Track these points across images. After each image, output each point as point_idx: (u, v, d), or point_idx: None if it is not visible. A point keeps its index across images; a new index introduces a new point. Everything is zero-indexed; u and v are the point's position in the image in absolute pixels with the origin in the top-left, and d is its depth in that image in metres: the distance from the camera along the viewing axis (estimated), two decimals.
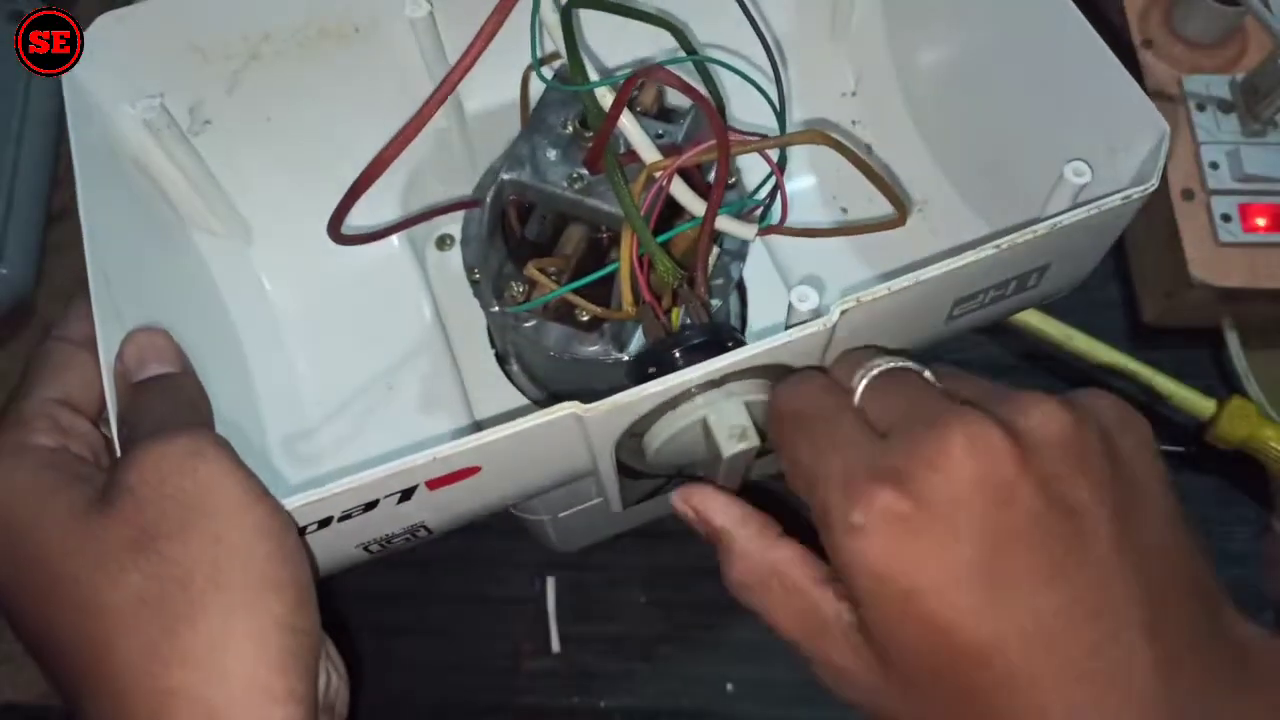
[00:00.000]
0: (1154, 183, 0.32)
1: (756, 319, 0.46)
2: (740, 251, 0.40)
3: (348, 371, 0.46)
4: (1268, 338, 0.50)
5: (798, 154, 0.50)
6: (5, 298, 0.48)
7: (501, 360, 0.46)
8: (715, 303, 0.37)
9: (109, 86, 0.38)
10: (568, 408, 0.30)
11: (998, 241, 0.31)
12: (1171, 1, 0.52)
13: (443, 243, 0.50)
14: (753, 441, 0.32)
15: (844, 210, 0.49)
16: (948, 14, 0.44)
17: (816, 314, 0.33)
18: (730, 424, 0.32)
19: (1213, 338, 0.50)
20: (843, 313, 0.31)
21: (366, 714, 0.42)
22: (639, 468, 0.36)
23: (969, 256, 0.31)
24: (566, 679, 0.45)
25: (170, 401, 0.30)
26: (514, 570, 0.46)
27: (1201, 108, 0.49)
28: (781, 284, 0.47)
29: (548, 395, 0.46)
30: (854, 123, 0.51)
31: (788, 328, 0.36)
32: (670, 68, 0.35)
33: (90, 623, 0.26)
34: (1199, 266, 0.47)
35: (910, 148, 0.49)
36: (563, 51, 0.35)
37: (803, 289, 0.34)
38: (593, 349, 0.38)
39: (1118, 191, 0.32)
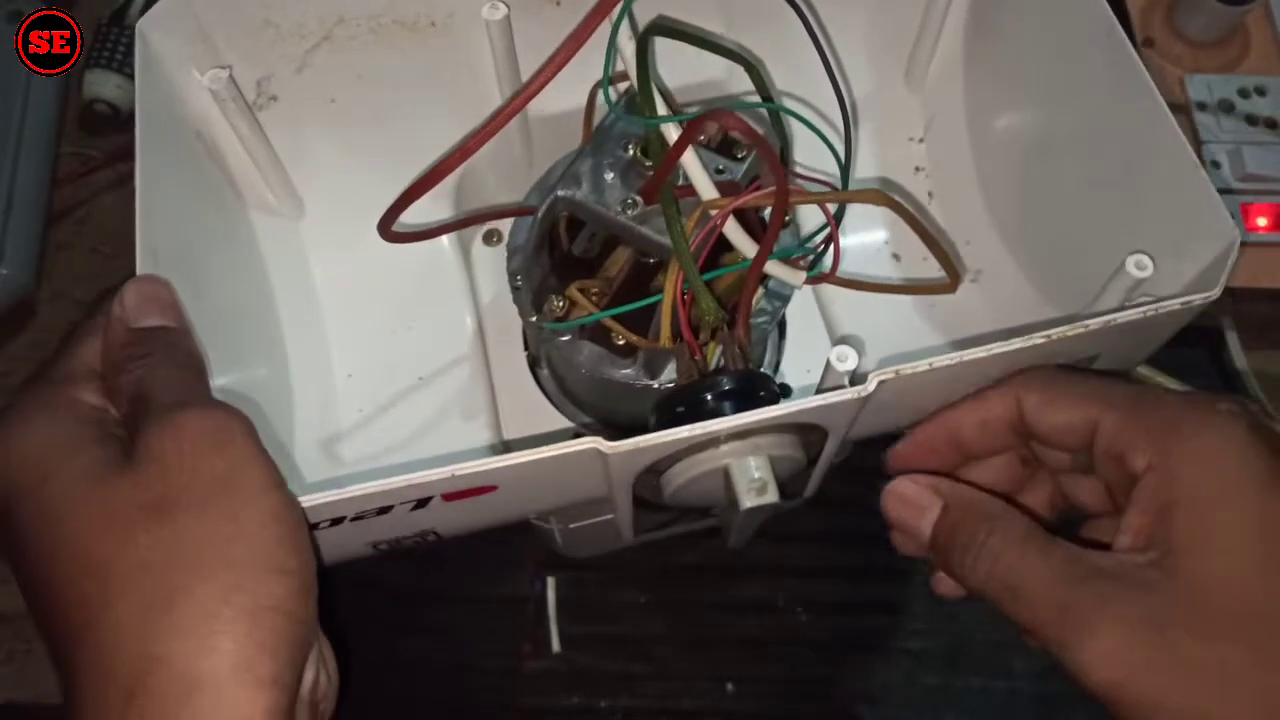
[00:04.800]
0: (1215, 292, 0.31)
1: (792, 359, 0.46)
2: (785, 293, 0.39)
3: (382, 360, 0.45)
4: (1268, 338, 0.50)
5: (870, 209, 0.49)
6: (5, 298, 0.48)
7: (533, 362, 0.46)
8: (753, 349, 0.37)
9: (179, 53, 0.38)
10: (591, 442, 0.30)
11: (1049, 332, 0.31)
12: (1173, 1, 0.52)
13: (490, 238, 0.50)
14: (772, 497, 0.32)
15: (896, 256, 0.49)
16: (1030, 83, 0.43)
17: (852, 376, 0.33)
18: (751, 477, 0.32)
19: (1213, 337, 0.49)
20: (880, 383, 0.31)
21: (367, 714, 0.42)
22: (655, 501, 0.36)
23: (1016, 344, 0.31)
24: (566, 679, 0.44)
25: (176, 362, 0.30)
26: (514, 570, 0.46)
27: (1203, 107, 0.49)
28: (824, 327, 0.46)
29: (574, 404, 0.46)
30: (917, 169, 0.50)
31: (821, 384, 0.36)
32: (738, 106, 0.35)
33: (90, 580, 0.26)
34: None
35: (969, 202, 0.48)
36: (633, 79, 0.35)
37: (843, 349, 0.33)
38: (625, 373, 0.38)
39: (1176, 297, 0.31)
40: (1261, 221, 0.47)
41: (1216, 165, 0.48)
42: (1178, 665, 0.25)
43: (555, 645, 0.45)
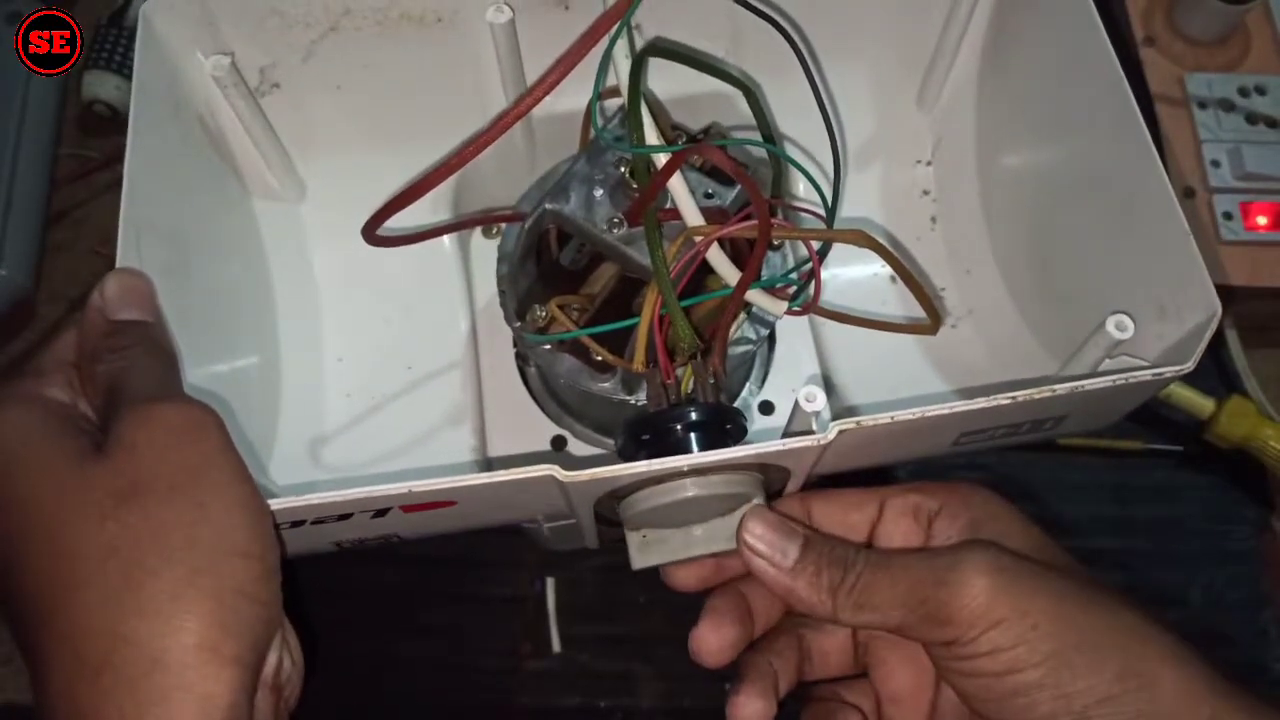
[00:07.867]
0: (1188, 366, 0.31)
1: (781, 371, 0.46)
2: (768, 321, 0.39)
3: (373, 347, 0.46)
4: (1267, 337, 0.49)
5: None
6: (4, 298, 0.48)
7: (522, 360, 0.47)
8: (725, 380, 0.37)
9: (184, 37, 0.38)
10: (547, 469, 0.30)
11: (1014, 394, 0.31)
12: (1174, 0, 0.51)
13: (489, 230, 0.50)
14: (732, 544, 0.32)
15: (893, 279, 0.48)
16: (1039, 121, 0.43)
17: (820, 417, 0.33)
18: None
19: (1212, 337, 0.49)
20: (840, 432, 0.31)
21: (367, 714, 0.43)
22: (617, 521, 0.36)
23: (980, 403, 0.31)
24: (566, 679, 0.44)
25: (153, 356, 0.31)
26: (514, 570, 0.46)
27: (1203, 106, 0.49)
28: (813, 347, 0.46)
29: (557, 404, 0.46)
30: (924, 193, 0.50)
31: (790, 423, 0.36)
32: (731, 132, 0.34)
33: (60, 565, 0.27)
34: None
35: (972, 231, 0.48)
36: (625, 100, 0.35)
37: (811, 389, 0.33)
38: (603, 386, 0.39)
39: (1148, 367, 0.31)
40: (1261, 221, 0.46)
41: (1216, 164, 0.47)
42: (1034, 577, 0.30)
43: (555, 645, 0.45)
